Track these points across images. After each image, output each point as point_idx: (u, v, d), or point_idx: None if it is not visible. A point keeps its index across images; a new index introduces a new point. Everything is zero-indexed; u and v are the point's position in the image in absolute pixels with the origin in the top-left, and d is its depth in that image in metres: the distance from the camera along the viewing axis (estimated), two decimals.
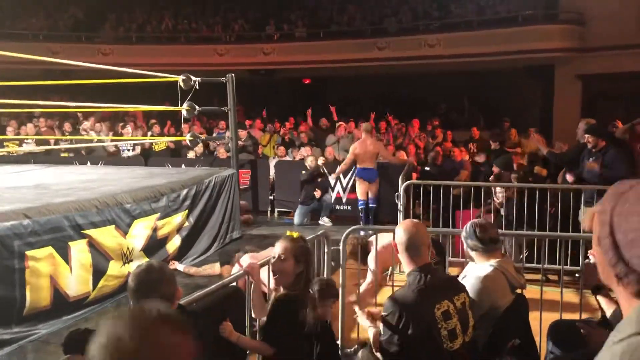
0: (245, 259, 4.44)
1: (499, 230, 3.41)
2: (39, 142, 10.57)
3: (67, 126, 11.50)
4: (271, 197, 9.53)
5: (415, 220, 2.95)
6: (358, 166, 8.26)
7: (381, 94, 17.17)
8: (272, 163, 9.81)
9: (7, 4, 19.32)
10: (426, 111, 14.51)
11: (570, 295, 4.21)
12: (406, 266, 2.56)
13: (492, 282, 2.85)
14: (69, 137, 10.57)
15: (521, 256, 5.37)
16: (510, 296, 2.92)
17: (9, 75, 11.48)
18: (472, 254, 3.04)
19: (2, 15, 18.60)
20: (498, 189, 6.32)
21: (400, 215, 6.45)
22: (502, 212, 6.29)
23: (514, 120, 11.67)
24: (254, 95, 15.71)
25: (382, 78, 17.13)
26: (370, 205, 8.27)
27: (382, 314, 2.46)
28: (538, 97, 15.87)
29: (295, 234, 2.68)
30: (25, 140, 10.53)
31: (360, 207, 8.26)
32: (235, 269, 4.58)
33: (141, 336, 0.96)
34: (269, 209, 9.50)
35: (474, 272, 2.96)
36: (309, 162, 8.82)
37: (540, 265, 4.28)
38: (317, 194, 8.55)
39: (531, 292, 4.02)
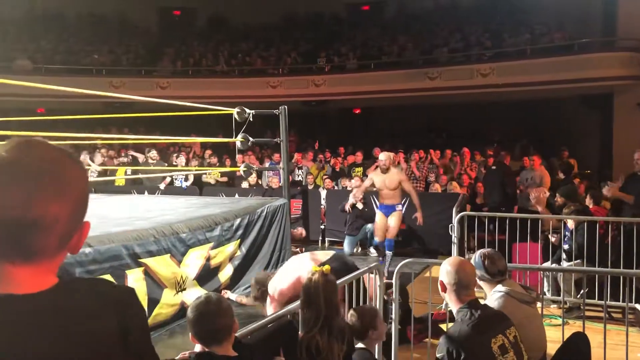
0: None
1: (562, 265, 3.30)
2: (101, 173, 11.00)
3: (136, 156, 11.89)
4: (322, 227, 9.55)
5: (462, 257, 2.90)
6: (378, 202, 7.58)
7: (432, 124, 17.08)
8: (324, 193, 9.85)
9: (73, 40, 20.47)
10: (479, 141, 14.31)
11: (636, 336, 4.00)
12: (454, 304, 2.52)
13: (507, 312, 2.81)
14: (130, 168, 10.95)
15: (582, 292, 5.14)
16: (523, 309, 2.87)
17: (75, 108, 12.11)
18: (480, 282, 3.04)
19: (68, 51, 19.69)
20: (569, 222, 6.05)
21: (454, 247, 6.33)
22: (557, 243, 6.05)
23: (571, 151, 11.34)
24: (306, 126, 15.93)
25: (434, 108, 17.06)
26: (387, 250, 7.39)
27: (437, 355, 2.40)
28: (596, 126, 15.39)
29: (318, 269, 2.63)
30: (91, 170, 10.97)
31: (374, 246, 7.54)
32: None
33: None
34: (320, 238, 9.51)
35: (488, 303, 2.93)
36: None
37: (602, 302, 4.09)
38: (347, 206, 8.39)
39: (593, 329, 3.85)
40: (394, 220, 7.30)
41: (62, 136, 8.90)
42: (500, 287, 2.98)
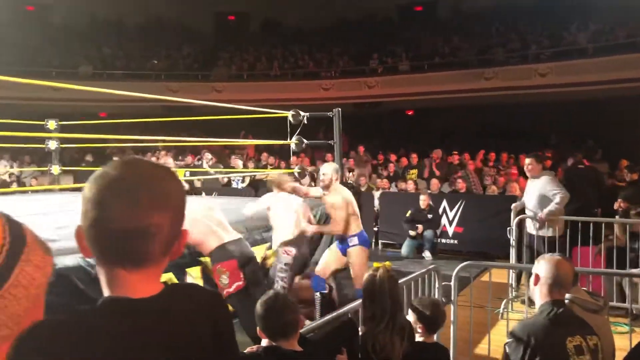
0: None
1: (631, 270, 3.18)
2: None
3: (189, 159, 12.24)
4: (375, 229, 9.54)
5: (564, 256, 2.82)
6: (357, 230, 5.04)
7: (487, 125, 16.75)
8: (377, 195, 9.83)
9: (132, 46, 21.22)
10: (536, 143, 13.93)
11: None
12: (540, 298, 2.45)
13: None
14: (189, 170, 11.25)
15: None
16: (591, 318, 2.76)
17: (135, 112, 12.55)
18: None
19: (128, 57, 20.43)
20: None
21: (512, 251, 6.20)
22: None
23: (636, 153, 10.89)
24: (358, 128, 15.93)
25: (489, 108, 16.73)
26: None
27: (507, 340, 2.36)
28: None
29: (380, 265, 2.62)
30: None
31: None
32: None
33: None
34: (373, 240, 9.50)
35: None
36: (422, 202, 8.71)
37: None
38: (419, 230, 8.44)
39: None
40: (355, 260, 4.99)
41: (123, 139, 9.26)
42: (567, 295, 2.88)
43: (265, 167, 11.38)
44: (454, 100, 16.06)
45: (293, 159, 10.52)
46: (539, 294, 2.45)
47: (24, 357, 0.83)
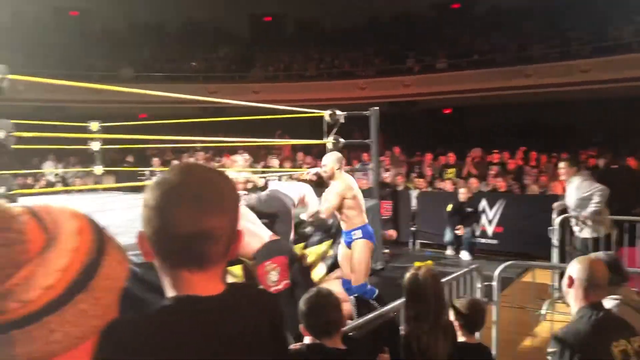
0: None
1: None
2: None
3: (241, 158, 12.33)
4: (412, 229, 9.46)
5: (599, 257, 2.75)
6: (359, 224, 4.93)
7: (527, 123, 16.43)
8: (414, 194, 9.75)
9: (171, 49, 21.62)
10: (578, 141, 13.60)
11: None
12: (577, 302, 2.39)
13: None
14: (226, 170, 11.39)
15: None
16: None
17: (174, 113, 12.79)
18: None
19: (167, 60, 20.82)
20: None
21: (554, 252, 6.07)
22: None
23: None
24: (395, 127, 15.84)
25: (528, 106, 16.41)
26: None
27: (549, 350, 2.31)
28: None
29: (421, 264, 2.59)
30: None
31: (372, 292, 4.95)
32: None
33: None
34: (411, 240, 9.43)
35: None
36: (461, 195, 8.62)
37: None
38: (460, 232, 8.34)
39: None
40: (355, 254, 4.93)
41: (162, 139, 9.43)
42: (614, 295, 2.78)
43: (301, 166, 11.42)
44: (492, 98, 15.81)
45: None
46: (574, 297, 2.39)
47: (109, 352, 0.88)
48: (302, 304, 2.26)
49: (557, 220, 6.08)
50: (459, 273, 3.57)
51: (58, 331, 0.84)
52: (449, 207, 8.56)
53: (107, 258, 0.92)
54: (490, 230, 8.67)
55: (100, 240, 0.92)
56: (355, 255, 4.86)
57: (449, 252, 8.55)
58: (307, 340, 2.25)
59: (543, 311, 5.14)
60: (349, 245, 4.98)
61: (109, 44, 21.63)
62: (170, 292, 1.01)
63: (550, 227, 6.14)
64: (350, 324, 2.49)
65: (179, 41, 22.59)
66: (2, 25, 20.26)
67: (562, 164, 6.14)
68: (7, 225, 0.84)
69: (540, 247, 7.20)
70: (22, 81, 3.83)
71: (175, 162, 12.17)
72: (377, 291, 4.85)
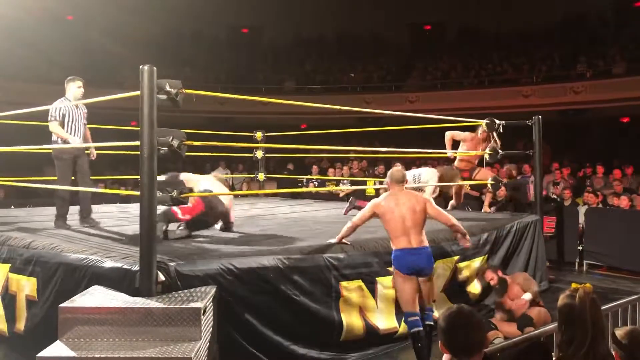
0: None
1: None
2: (352, 183, 11.69)
3: (380, 169, 12.42)
4: (580, 248, 8.67)
5: None
6: (394, 247, 4.43)
7: None
8: (582, 210, 8.94)
9: (332, 62, 22.39)
10: None
11: None
12: None
13: None
14: (378, 180, 11.43)
15: None
16: None
17: (332, 123, 13.23)
18: None
19: (327, 72, 21.60)
20: None
21: None
22: None
23: None
24: (562, 137, 14.74)
25: None
26: (427, 321, 4.38)
27: None
28: None
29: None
30: (342, 181, 11.76)
31: (411, 326, 4.31)
32: None
33: None
34: (577, 260, 8.64)
35: None
36: None
37: None
38: None
39: None
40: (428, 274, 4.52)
41: (320, 149, 9.78)
42: None
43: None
44: None
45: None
46: None
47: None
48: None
49: None
50: (626, 300, 3.18)
51: None
52: None
53: None
54: None
55: None
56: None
57: None
58: (445, 357, 2.17)
59: None
60: (421, 271, 4.44)
61: (274, 58, 23.04)
62: None
63: None
64: (495, 345, 2.34)
65: (339, 53, 23.30)
66: (185, 43, 22.65)
67: None
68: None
69: None
70: (195, 94, 4.18)
71: (331, 170, 12.52)
72: (419, 328, 4.24)
